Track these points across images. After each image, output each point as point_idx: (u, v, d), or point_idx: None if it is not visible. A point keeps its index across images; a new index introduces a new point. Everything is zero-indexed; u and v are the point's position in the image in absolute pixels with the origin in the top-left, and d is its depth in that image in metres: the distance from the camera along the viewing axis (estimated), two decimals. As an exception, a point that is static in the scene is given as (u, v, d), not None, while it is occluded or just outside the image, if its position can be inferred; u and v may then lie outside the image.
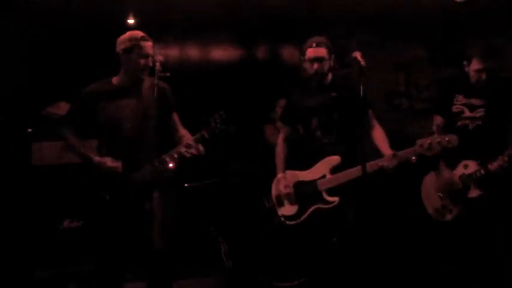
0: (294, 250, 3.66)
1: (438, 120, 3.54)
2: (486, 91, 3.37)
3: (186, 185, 4.36)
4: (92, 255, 3.16)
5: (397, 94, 5.54)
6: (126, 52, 3.00)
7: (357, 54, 2.95)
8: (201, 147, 2.96)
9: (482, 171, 3.26)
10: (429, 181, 3.56)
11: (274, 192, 3.48)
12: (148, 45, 3.01)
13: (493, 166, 3.22)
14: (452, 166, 3.43)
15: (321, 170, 3.29)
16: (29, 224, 3.84)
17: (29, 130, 3.93)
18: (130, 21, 4.86)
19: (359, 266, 3.24)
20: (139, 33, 3.02)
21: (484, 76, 3.29)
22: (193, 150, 2.94)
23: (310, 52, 3.29)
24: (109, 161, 2.95)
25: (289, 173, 3.44)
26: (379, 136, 3.32)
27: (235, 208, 4.49)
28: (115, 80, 3.12)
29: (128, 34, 3.03)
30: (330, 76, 3.38)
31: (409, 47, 5.45)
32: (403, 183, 3.91)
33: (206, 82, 5.30)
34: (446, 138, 2.99)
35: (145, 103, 3.02)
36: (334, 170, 3.25)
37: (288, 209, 3.39)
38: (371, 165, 3.10)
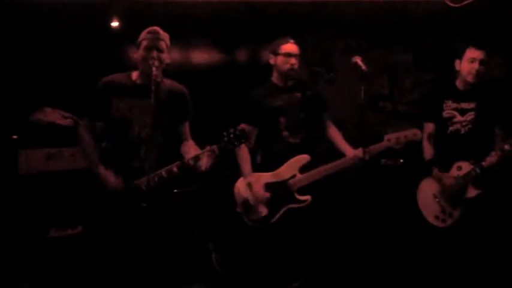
0: (274, 255, 3.60)
1: (430, 127, 3.59)
2: (475, 94, 3.47)
3: (175, 190, 4.29)
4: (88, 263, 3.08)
5: (381, 97, 5.57)
6: (137, 47, 2.92)
7: (358, 59, 3.02)
8: (208, 164, 2.82)
9: (478, 170, 3.33)
10: (425, 188, 3.60)
11: (242, 196, 3.42)
12: (153, 37, 2.88)
13: (487, 163, 3.31)
14: (446, 170, 3.48)
15: (290, 170, 3.36)
16: (16, 233, 3.72)
17: (14, 137, 3.80)
18: (114, 24, 4.78)
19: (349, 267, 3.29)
20: (150, 28, 2.92)
21: (476, 66, 3.37)
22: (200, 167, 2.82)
23: (287, 47, 3.37)
24: (112, 177, 2.86)
25: (257, 175, 3.43)
26: (338, 136, 3.49)
27: (226, 214, 4.44)
28: (134, 75, 3.00)
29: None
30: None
31: (394, 50, 5.49)
32: (398, 191, 3.96)
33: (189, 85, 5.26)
34: (412, 132, 3.18)
35: (158, 105, 2.84)
36: (303, 169, 3.34)
37: (257, 213, 3.38)
38: (343, 162, 3.28)
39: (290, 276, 3.61)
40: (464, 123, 3.46)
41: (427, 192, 3.57)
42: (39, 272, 3.73)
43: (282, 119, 3.38)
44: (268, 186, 3.38)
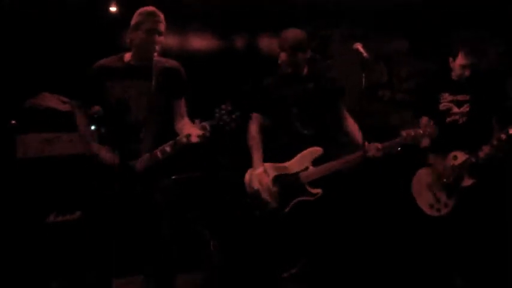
0: (281, 243, 3.56)
1: (426, 121, 3.58)
2: (470, 86, 3.48)
3: (173, 177, 4.29)
4: (87, 248, 3.08)
5: (379, 85, 5.56)
6: (134, 28, 2.87)
7: (359, 46, 2.96)
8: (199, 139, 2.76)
9: (473, 159, 3.35)
10: (420, 178, 3.63)
11: (252, 187, 3.33)
12: (154, 20, 2.84)
13: (483, 152, 3.32)
14: (442, 159, 3.50)
15: (303, 162, 3.28)
16: (15, 218, 3.73)
17: (13, 122, 3.79)
18: (113, 9, 4.76)
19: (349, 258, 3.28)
20: (148, 8, 2.88)
21: (467, 72, 3.42)
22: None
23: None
24: (105, 151, 2.86)
25: (267, 165, 3.35)
26: (354, 128, 3.34)
27: (224, 202, 4.45)
28: (127, 56, 2.97)
29: (139, 9, 2.89)
30: (306, 67, 3.35)
31: (391, 38, 5.47)
32: (394, 181, 3.95)
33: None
34: (428, 130, 3.12)
35: (154, 85, 2.85)
36: (316, 161, 3.26)
37: (266, 205, 3.31)
38: (357, 157, 3.16)
39: (288, 264, 3.60)
40: (461, 115, 3.49)
41: (422, 181, 3.60)
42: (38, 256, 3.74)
43: (295, 110, 3.31)
44: (279, 178, 3.32)
